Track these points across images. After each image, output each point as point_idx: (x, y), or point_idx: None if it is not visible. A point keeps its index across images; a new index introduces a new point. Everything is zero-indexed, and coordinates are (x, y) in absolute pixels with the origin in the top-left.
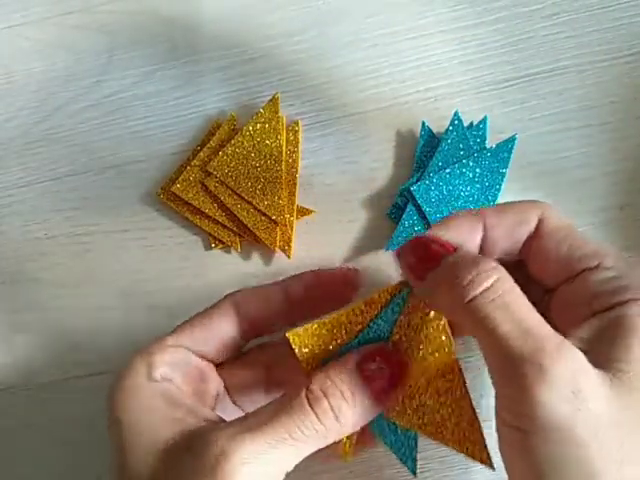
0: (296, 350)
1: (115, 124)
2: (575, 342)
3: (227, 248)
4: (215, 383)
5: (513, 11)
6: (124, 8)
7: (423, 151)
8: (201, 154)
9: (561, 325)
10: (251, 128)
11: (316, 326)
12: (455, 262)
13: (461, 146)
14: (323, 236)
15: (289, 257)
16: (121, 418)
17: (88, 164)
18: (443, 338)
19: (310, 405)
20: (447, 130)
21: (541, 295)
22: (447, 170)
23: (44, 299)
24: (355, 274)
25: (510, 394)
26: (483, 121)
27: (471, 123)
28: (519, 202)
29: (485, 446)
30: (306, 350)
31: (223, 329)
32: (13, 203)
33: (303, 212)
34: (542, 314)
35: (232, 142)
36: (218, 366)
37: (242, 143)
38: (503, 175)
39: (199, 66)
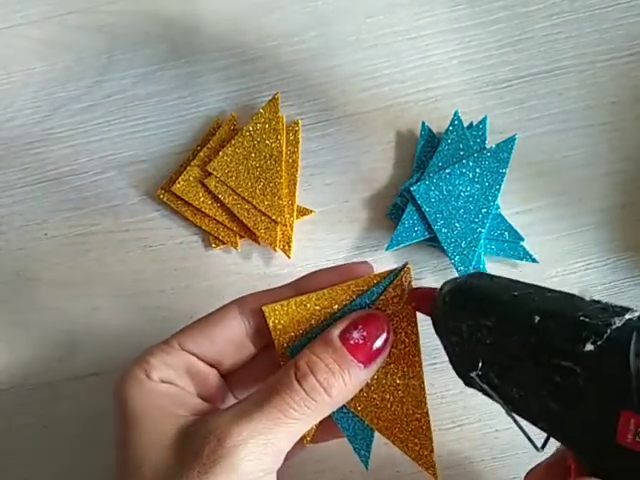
0: (270, 325)
1: (115, 124)
2: None
3: (227, 248)
4: (220, 388)
5: (513, 11)
6: (124, 8)
7: (423, 151)
8: (201, 154)
9: None
10: (251, 128)
11: (296, 303)
12: None
13: (461, 146)
14: (323, 236)
15: (289, 257)
16: (124, 415)
17: (88, 164)
18: (411, 332)
19: (298, 382)
20: (447, 130)
21: None
22: (447, 170)
23: (44, 299)
24: (369, 268)
25: None
26: (483, 121)
27: (471, 123)
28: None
29: (432, 454)
30: (280, 326)
31: (226, 331)
32: (13, 203)
33: (303, 212)
34: None
35: (232, 142)
36: (232, 371)
37: (242, 143)
38: (503, 175)
39: (199, 66)
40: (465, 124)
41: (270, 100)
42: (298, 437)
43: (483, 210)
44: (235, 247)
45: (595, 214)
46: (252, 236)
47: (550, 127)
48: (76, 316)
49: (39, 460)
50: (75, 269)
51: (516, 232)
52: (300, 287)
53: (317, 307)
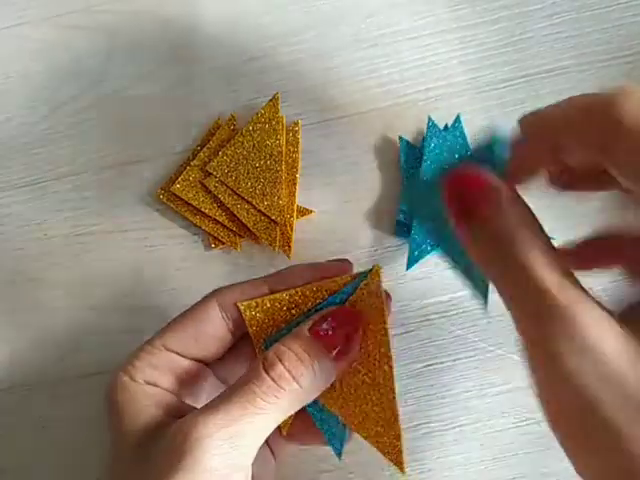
0: (246, 320)
1: (115, 124)
2: None
3: (227, 248)
4: (206, 381)
5: (513, 11)
6: (124, 8)
7: (408, 165)
8: (201, 154)
9: None
10: (251, 128)
11: (270, 300)
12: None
13: (444, 149)
14: (323, 236)
15: (289, 257)
16: (110, 418)
17: (88, 164)
18: (381, 330)
19: (266, 371)
20: (425, 138)
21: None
22: (433, 181)
23: (44, 299)
24: (348, 266)
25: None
26: (457, 119)
27: (446, 125)
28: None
29: (400, 450)
30: (257, 322)
31: (208, 327)
32: (13, 203)
33: (303, 212)
34: None
35: (232, 142)
36: (214, 363)
37: (242, 143)
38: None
39: (199, 66)
40: (463, 125)
41: (270, 100)
42: (269, 431)
43: None
44: (235, 247)
45: (593, 214)
46: (252, 236)
47: None
48: (76, 316)
49: (39, 460)
50: (75, 269)
51: None
52: (275, 282)
53: (291, 305)
